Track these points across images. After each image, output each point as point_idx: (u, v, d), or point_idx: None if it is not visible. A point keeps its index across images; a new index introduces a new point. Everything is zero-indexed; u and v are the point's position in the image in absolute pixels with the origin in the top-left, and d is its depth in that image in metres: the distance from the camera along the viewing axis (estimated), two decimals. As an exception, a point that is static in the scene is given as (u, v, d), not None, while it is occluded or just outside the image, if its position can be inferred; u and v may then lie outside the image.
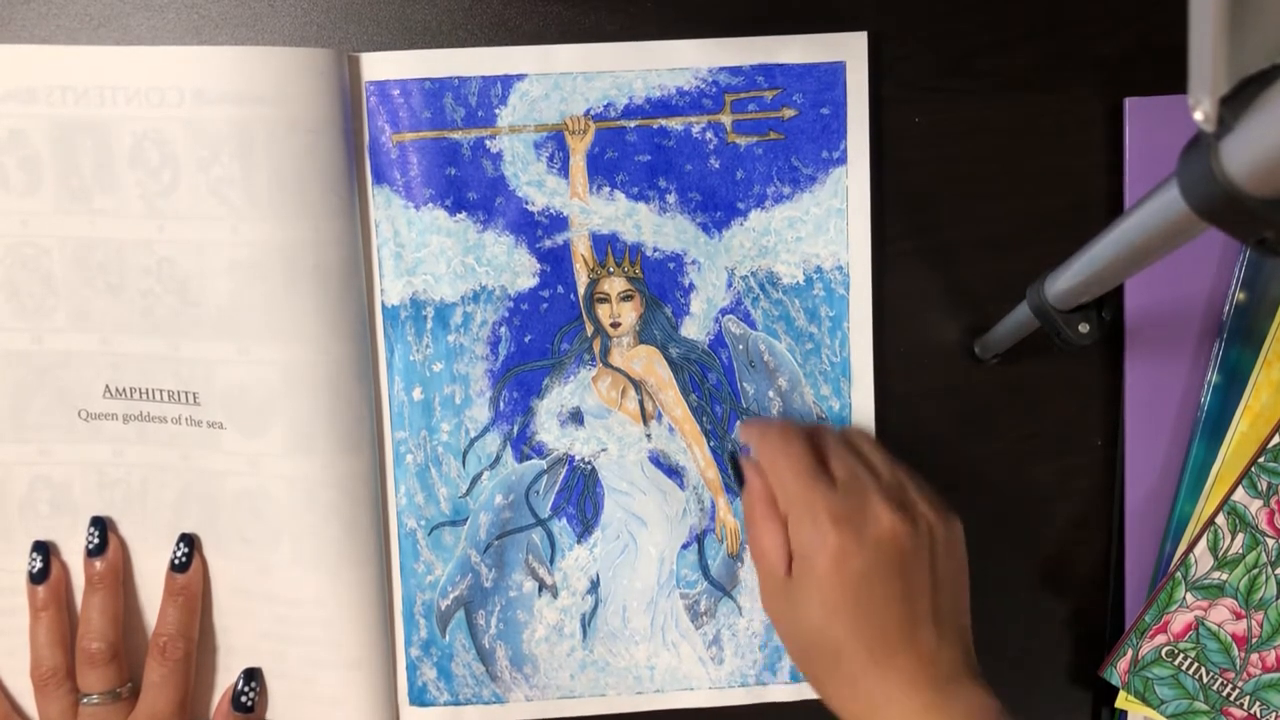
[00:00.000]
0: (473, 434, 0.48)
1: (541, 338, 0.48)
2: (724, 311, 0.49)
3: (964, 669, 0.39)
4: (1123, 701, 0.49)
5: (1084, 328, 0.39)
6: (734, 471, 0.42)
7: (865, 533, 0.38)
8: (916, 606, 0.38)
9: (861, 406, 0.49)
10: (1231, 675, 0.47)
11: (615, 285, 0.48)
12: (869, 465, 0.41)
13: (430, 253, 0.47)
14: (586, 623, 0.49)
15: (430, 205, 0.47)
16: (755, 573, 0.49)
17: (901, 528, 0.39)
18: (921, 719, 0.37)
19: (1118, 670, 0.48)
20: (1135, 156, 0.48)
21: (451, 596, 0.49)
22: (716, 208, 0.48)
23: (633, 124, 0.48)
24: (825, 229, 0.48)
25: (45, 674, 0.45)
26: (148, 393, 0.46)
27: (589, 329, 0.48)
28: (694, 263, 0.48)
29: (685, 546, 0.49)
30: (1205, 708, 0.48)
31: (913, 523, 0.39)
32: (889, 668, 0.38)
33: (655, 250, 0.48)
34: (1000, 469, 0.50)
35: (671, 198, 0.48)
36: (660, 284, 0.48)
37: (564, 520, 0.49)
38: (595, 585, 0.49)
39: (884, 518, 0.39)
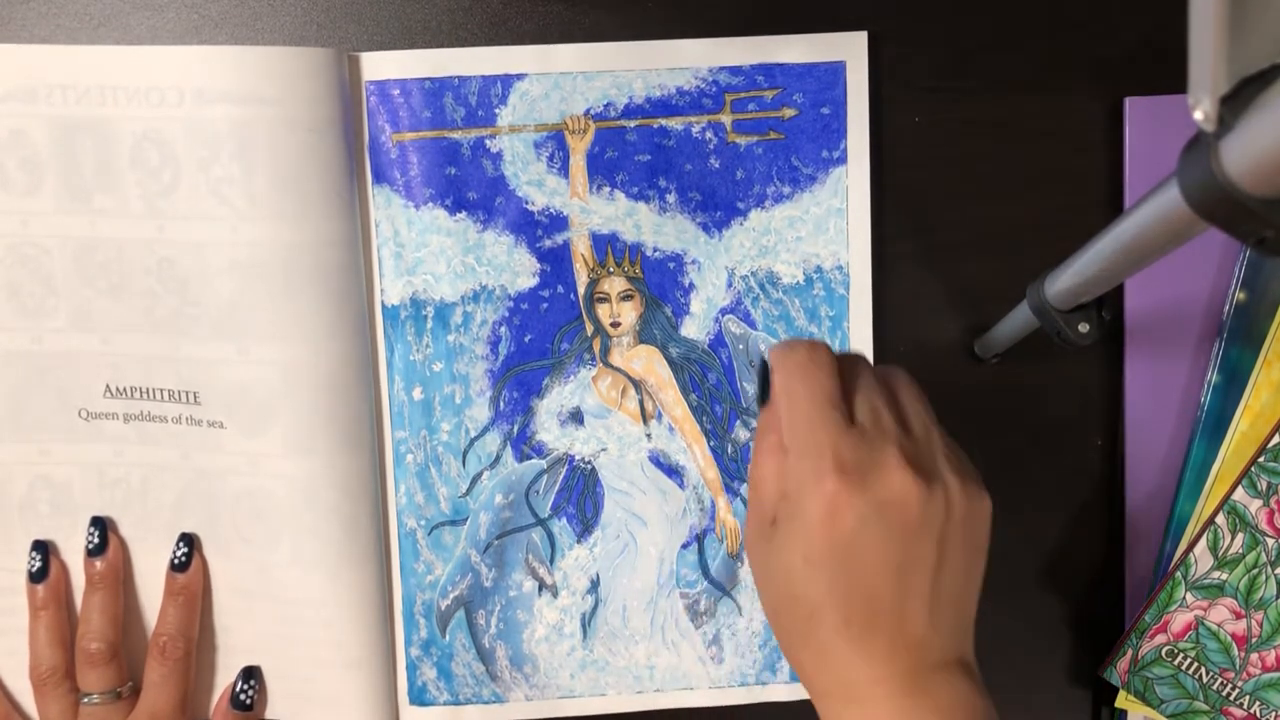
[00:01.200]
0: (473, 434, 0.48)
1: (541, 337, 0.48)
2: (724, 311, 0.49)
3: (954, 660, 0.34)
4: (1123, 701, 0.49)
5: (1084, 327, 0.39)
6: (761, 387, 0.36)
7: (870, 487, 0.33)
8: (911, 581, 0.33)
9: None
10: (1231, 675, 0.47)
11: (615, 285, 0.48)
12: (900, 415, 0.35)
13: (430, 252, 0.47)
14: (586, 622, 0.49)
15: (430, 205, 0.47)
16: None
17: (914, 491, 0.33)
18: (893, 705, 0.32)
19: (1118, 670, 0.48)
20: (1135, 156, 0.48)
21: (451, 596, 0.49)
22: (716, 207, 0.48)
23: (633, 124, 0.48)
24: (825, 229, 0.48)
25: (45, 674, 0.45)
26: (148, 392, 0.46)
27: (589, 329, 0.48)
28: (694, 262, 0.48)
29: (685, 546, 0.49)
30: (1205, 707, 0.48)
31: (929, 489, 0.33)
32: (867, 642, 0.33)
33: (655, 250, 0.48)
34: (1000, 469, 0.50)
35: (671, 197, 0.48)
36: (660, 284, 0.48)
37: (564, 520, 0.49)
38: (595, 585, 0.49)
39: (895, 475, 0.33)
